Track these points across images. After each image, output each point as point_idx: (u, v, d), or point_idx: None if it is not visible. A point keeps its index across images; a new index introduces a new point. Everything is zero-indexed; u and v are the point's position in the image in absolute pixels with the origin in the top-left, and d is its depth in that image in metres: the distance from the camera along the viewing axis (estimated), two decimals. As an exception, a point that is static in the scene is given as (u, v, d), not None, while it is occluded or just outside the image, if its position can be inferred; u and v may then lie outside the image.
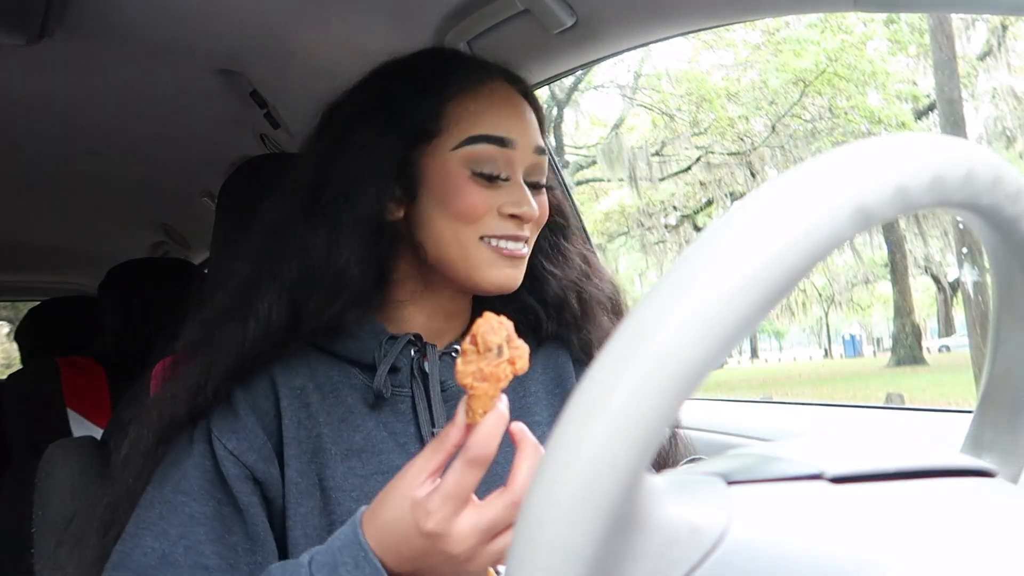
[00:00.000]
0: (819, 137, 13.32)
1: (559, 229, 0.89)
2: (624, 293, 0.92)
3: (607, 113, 17.14)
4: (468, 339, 0.57)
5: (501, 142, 0.76)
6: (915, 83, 14.14)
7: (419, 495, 0.58)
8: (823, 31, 13.09)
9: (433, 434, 0.75)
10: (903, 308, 14.97)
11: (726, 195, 14.25)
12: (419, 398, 0.77)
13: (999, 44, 12.76)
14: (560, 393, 0.86)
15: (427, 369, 0.78)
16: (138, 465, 0.72)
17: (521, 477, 0.58)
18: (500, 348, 0.56)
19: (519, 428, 0.60)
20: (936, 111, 12.37)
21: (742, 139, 14.13)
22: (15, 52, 1.20)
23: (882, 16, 12.82)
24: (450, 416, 0.59)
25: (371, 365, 0.76)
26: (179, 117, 1.60)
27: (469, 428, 0.57)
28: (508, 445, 0.60)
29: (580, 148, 15.86)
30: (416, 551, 0.58)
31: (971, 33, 12.63)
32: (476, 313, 0.82)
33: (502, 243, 0.76)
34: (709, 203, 14.68)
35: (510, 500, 0.58)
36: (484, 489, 0.58)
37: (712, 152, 14.25)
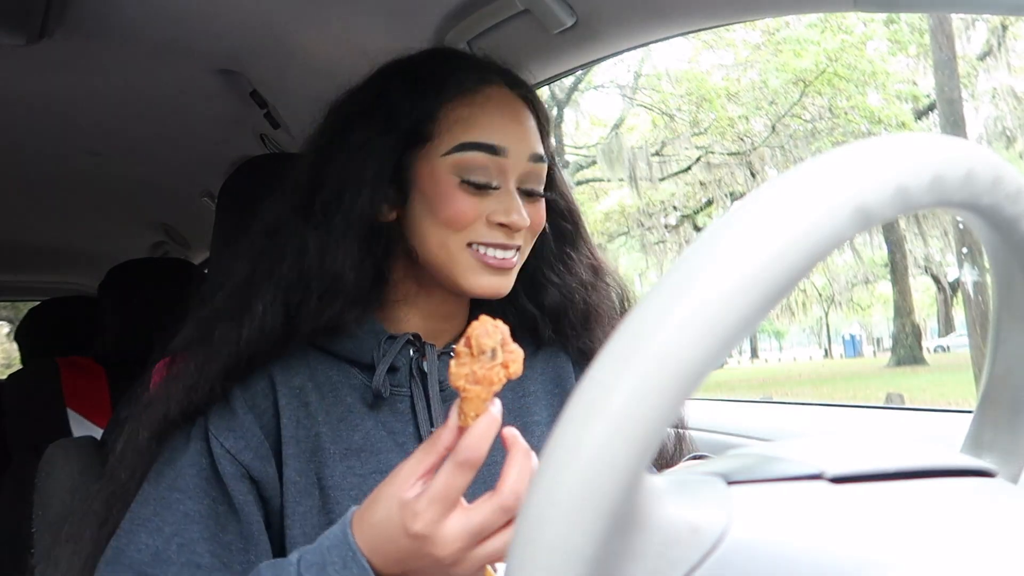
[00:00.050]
0: (819, 137, 13.33)
1: (565, 236, 0.88)
2: (633, 300, 0.91)
3: (607, 113, 17.18)
4: (463, 341, 0.57)
5: (492, 150, 0.75)
6: (915, 83, 14.16)
7: (408, 496, 0.57)
8: (823, 31, 13.09)
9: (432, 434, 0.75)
10: (903, 308, 14.98)
11: (726, 195, 14.25)
12: (418, 398, 0.77)
13: (999, 44, 12.77)
14: (559, 393, 0.86)
15: (426, 369, 0.78)
16: (133, 462, 0.73)
17: (510, 482, 0.57)
18: (494, 351, 0.56)
19: (511, 432, 0.59)
20: (936, 111, 12.37)
21: (742, 139, 14.13)
22: (15, 52, 1.20)
23: (882, 16, 12.83)
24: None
25: (370, 365, 0.76)
26: (179, 117, 1.59)
27: (461, 431, 0.57)
28: (501, 449, 0.59)
29: (580, 148, 15.87)
30: (403, 552, 0.58)
31: (971, 33, 12.64)
32: (474, 314, 0.82)
33: (489, 251, 0.75)
34: (709, 203, 14.69)
35: (498, 505, 0.57)
36: (475, 492, 0.58)
37: (712, 152, 14.25)
